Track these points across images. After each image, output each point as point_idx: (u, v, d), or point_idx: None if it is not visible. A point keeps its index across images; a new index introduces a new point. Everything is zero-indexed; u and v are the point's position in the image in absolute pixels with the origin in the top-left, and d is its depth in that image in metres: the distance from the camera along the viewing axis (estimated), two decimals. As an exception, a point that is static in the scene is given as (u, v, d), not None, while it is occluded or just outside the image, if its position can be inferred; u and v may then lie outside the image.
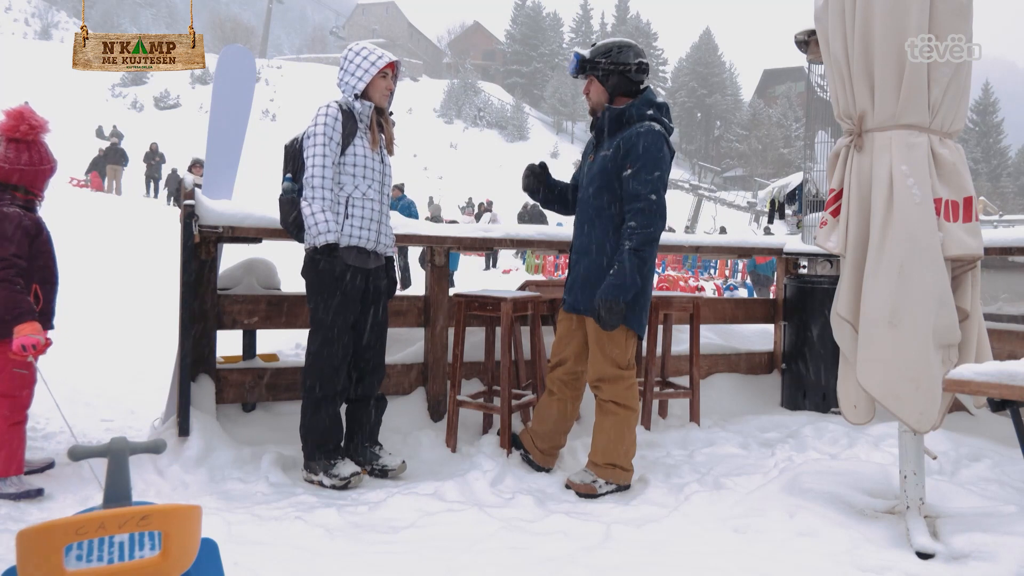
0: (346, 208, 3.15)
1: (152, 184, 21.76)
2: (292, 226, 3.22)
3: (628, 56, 3.12)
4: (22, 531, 1.28)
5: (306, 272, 3.19)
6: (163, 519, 1.36)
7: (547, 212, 23.21)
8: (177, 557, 1.37)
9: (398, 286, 3.53)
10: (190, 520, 1.40)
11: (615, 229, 3.07)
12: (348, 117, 3.15)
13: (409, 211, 12.75)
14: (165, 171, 21.92)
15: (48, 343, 2.94)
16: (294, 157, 3.25)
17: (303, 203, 3.08)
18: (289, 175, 3.23)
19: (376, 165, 3.24)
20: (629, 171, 3.00)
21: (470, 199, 32.24)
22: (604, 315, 2.94)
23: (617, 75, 3.12)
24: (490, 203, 28.39)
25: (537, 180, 3.43)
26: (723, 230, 26.21)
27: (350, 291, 3.16)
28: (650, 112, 3.10)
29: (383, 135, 3.29)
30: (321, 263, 3.11)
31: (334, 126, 3.10)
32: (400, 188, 13.73)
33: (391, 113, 3.37)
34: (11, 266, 2.78)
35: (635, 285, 2.96)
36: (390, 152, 3.35)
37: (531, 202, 25.54)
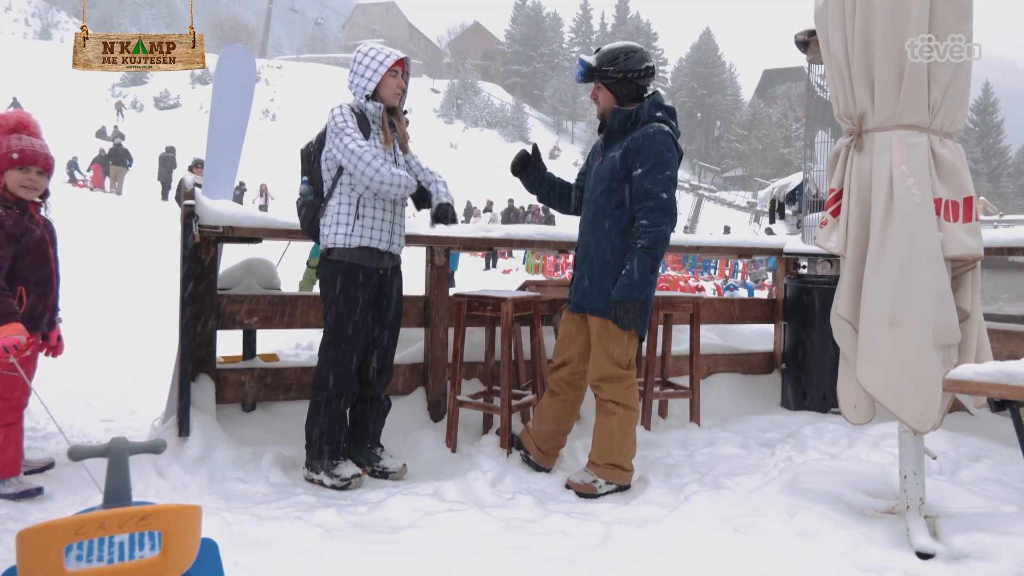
0: (357, 208, 3.15)
1: (164, 188, 21.42)
2: (309, 228, 3.25)
3: (635, 62, 3.12)
4: (22, 531, 1.28)
5: (321, 271, 3.20)
6: (163, 519, 1.36)
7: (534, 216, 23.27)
8: (177, 557, 1.37)
9: None
10: (190, 520, 1.41)
11: (624, 229, 3.07)
12: (360, 119, 3.15)
13: None
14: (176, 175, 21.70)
15: (31, 344, 2.91)
16: (310, 160, 3.25)
17: (371, 166, 3.03)
18: (306, 178, 3.23)
19: None
20: (640, 170, 3.01)
21: None
22: (621, 315, 2.96)
23: (625, 81, 3.12)
24: (491, 203, 28.43)
25: (523, 161, 3.38)
26: (727, 229, 26.21)
27: (363, 292, 3.16)
28: (659, 114, 3.12)
29: (396, 133, 3.29)
30: (335, 263, 3.13)
31: (350, 121, 3.10)
32: None
33: (405, 112, 3.36)
34: None
35: (648, 283, 2.99)
36: (404, 149, 3.33)
37: (525, 205, 25.60)
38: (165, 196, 21.10)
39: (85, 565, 1.32)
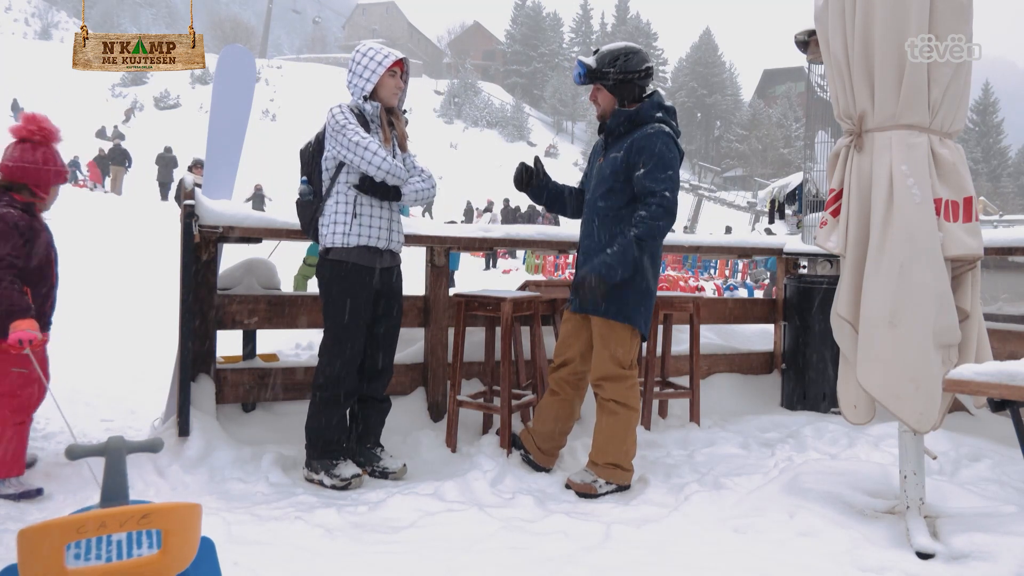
0: (355, 207, 3.15)
1: (163, 189, 21.30)
2: (308, 228, 3.25)
3: (635, 63, 3.12)
4: (23, 530, 1.29)
5: (320, 271, 3.19)
6: (164, 517, 1.36)
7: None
8: (177, 555, 1.38)
9: None
10: (190, 518, 1.41)
11: (625, 229, 3.07)
12: (359, 118, 3.15)
13: None
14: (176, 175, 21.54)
15: (45, 340, 2.96)
16: (310, 161, 3.25)
17: (377, 155, 3.03)
18: (305, 178, 3.24)
19: None
20: (642, 170, 3.01)
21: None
22: (584, 290, 2.95)
23: (625, 83, 3.12)
24: (491, 203, 28.42)
25: (526, 173, 3.38)
26: (728, 230, 26.22)
27: (363, 291, 3.16)
28: (659, 114, 3.12)
29: (395, 132, 3.28)
30: (334, 263, 3.13)
31: (351, 118, 3.10)
32: None
33: (404, 112, 3.36)
34: (9, 266, 2.79)
35: (626, 269, 2.97)
36: (403, 148, 3.32)
37: (524, 206, 25.57)
38: (164, 196, 21.04)
39: (84, 563, 1.33)
